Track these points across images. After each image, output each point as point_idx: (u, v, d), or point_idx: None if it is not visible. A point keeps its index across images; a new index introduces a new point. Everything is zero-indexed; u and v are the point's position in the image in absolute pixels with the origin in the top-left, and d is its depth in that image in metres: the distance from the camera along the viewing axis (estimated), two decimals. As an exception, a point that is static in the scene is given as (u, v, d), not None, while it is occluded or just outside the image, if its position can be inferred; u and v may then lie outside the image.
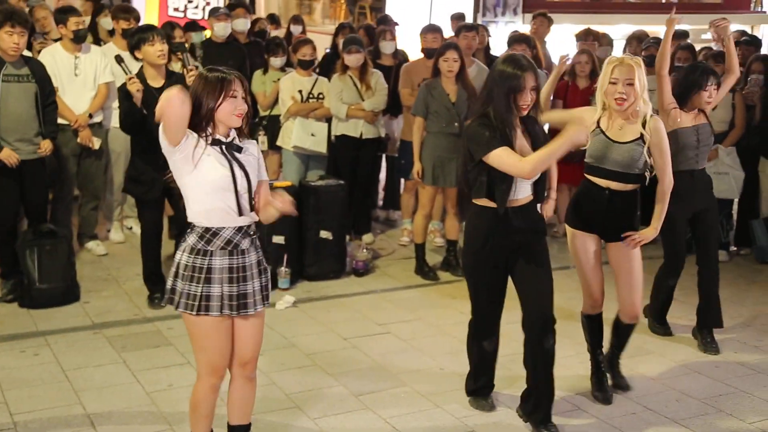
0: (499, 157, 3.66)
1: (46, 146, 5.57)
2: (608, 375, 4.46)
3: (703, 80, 4.91)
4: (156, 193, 5.37)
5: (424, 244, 6.42)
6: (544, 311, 3.90)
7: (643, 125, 4.13)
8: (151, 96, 5.11)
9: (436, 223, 7.06)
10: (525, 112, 3.77)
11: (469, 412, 4.20)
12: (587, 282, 4.34)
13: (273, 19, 9.99)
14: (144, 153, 5.31)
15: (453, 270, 6.33)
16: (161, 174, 5.24)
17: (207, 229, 3.25)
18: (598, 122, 4.19)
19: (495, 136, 3.68)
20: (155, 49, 5.23)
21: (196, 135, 3.20)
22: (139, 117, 5.14)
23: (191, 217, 3.29)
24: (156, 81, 5.28)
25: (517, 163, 3.65)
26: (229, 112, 3.21)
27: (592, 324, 4.43)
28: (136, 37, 5.30)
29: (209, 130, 3.22)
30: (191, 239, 3.28)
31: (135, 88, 5.09)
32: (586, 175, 4.29)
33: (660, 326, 5.33)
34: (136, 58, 5.38)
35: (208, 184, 3.20)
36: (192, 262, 3.27)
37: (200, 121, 3.20)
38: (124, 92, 5.20)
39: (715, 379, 4.71)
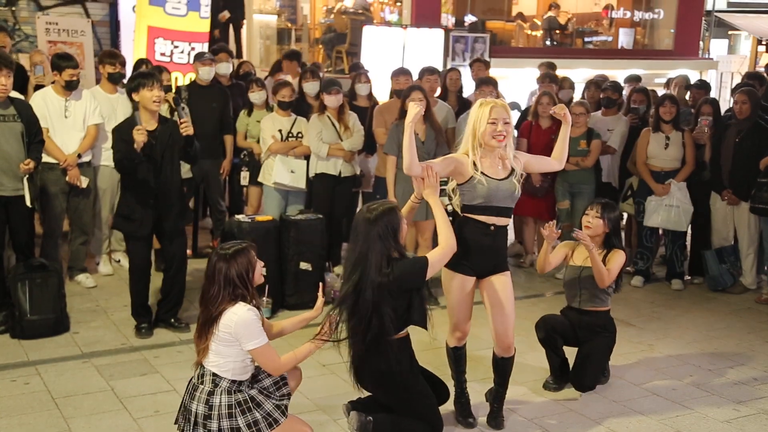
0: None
1: (29, 163, 5.44)
2: (496, 412, 4.38)
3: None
4: (146, 229, 5.38)
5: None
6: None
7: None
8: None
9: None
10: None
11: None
12: (459, 319, 4.31)
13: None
14: (135, 191, 5.33)
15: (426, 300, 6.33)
16: (151, 211, 5.30)
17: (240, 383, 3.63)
18: (474, 166, 4.12)
19: None
20: (152, 95, 5.26)
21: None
22: (137, 161, 5.19)
23: (228, 375, 3.60)
24: (150, 125, 5.31)
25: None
26: (259, 273, 3.69)
27: (457, 354, 4.41)
28: (137, 81, 5.33)
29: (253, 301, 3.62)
30: (226, 384, 3.60)
31: (142, 138, 5.10)
32: (468, 215, 4.19)
33: (551, 378, 4.93)
34: (132, 100, 5.42)
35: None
36: (232, 400, 3.58)
37: (249, 291, 3.60)
38: (120, 134, 5.22)
39: (672, 401, 4.77)
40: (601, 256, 4.80)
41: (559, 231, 4.71)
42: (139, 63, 7.29)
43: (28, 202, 5.50)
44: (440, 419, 4.04)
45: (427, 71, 7.43)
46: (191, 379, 3.69)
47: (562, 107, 4.42)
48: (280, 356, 3.63)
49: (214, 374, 3.58)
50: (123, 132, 5.23)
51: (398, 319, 3.88)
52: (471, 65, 8.63)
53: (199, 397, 3.57)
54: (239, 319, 3.51)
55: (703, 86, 8.32)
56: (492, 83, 7.03)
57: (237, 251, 3.60)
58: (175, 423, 3.72)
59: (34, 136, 5.63)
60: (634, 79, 8.77)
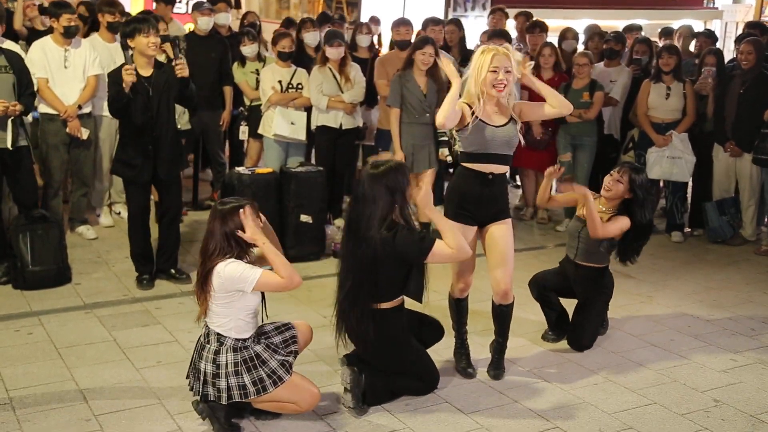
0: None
1: (15, 104, 5.37)
2: (497, 362, 4.38)
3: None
4: (145, 176, 5.34)
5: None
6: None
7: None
8: (140, 83, 5.12)
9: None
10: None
11: (441, 383, 4.23)
12: (461, 269, 4.29)
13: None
14: (134, 138, 5.27)
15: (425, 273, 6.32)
16: (150, 158, 5.26)
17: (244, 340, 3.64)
18: (472, 113, 4.05)
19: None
20: (148, 41, 5.17)
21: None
22: (125, 101, 5.10)
23: (232, 333, 3.60)
24: (145, 70, 5.23)
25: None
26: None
27: (459, 305, 4.40)
28: (132, 27, 5.23)
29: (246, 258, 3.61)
30: (231, 342, 3.61)
31: (131, 78, 5.03)
32: (465, 165, 4.16)
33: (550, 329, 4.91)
34: (128, 46, 5.32)
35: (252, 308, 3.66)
36: (238, 357, 3.60)
37: (244, 248, 3.61)
38: (113, 77, 5.16)
39: (670, 351, 4.78)
40: (607, 216, 4.67)
41: (561, 168, 4.64)
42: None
43: (9, 144, 5.43)
44: (435, 376, 4.08)
45: (432, 22, 7.30)
46: (199, 338, 3.71)
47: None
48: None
49: (219, 333, 3.60)
50: (117, 76, 5.17)
51: (393, 287, 3.88)
52: (490, 14, 8.50)
53: (206, 357, 3.60)
54: (225, 275, 3.53)
55: (710, 36, 8.19)
56: (505, 36, 6.89)
57: (232, 208, 3.59)
58: (187, 377, 3.75)
59: (25, 88, 5.57)
60: (634, 29, 8.64)
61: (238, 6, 11.33)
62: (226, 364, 3.57)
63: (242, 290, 3.55)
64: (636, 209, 4.61)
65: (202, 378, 3.61)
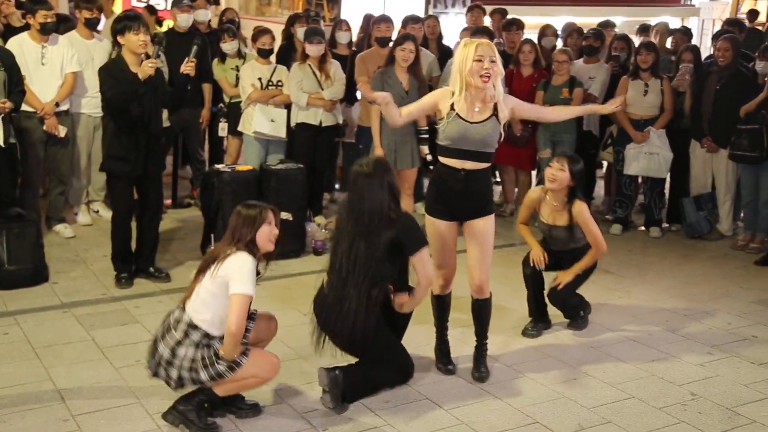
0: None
1: (5, 102, 5.36)
2: (479, 365, 4.35)
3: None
4: (139, 170, 5.30)
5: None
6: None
7: (495, 108, 4.07)
8: (135, 80, 5.10)
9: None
10: None
11: (421, 380, 4.23)
12: (439, 264, 4.29)
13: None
14: (127, 133, 5.22)
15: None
16: (142, 153, 5.26)
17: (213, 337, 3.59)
18: (452, 106, 4.04)
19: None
20: (138, 38, 5.13)
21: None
22: (141, 92, 5.11)
23: (205, 326, 3.56)
24: (135, 67, 5.19)
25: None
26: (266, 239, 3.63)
27: (439, 302, 4.40)
28: (122, 24, 5.19)
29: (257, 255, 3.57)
30: (197, 337, 3.57)
31: (150, 71, 5.07)
32: (441, 158, 4.14)
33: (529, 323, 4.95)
34: (118, 43, 5.28)
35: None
36: (197, 354, 3.56)
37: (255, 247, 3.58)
38: (108, 72, 5.15)
39: (648, 345, 4.81)
40: (565, 211, 4.75)
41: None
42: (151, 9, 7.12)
43: (1, 142, 5.38)
44: (409, 365, 4.07)
45: (411, 20, 7.31)
46: (169, 315, 3.67)
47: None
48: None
49: (190, 324, 3.57)
50: (111, 70, 5.14)
51: (393, 275, 3.92)
52: (468, 12, 8.48)
53: (167, 342, 3.57)
54: (238, 260, 3.50)
55: (686, 33, 8.25)
56: (487, 33, 6.89)
57: (258, 212, 3.62)
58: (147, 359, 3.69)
59: (15, 85, 5.52)
60: (609, 26, 8.69)
61: (217, 2, 11.26)
62: (183, 358, 3.54)
63: (228, 282, 3.49)
64: (578, 192, 4.77)
65: (156, 358, 3.59)
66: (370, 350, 3.97)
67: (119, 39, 5.21)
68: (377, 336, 3.95)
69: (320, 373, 3.87)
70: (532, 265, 4.86)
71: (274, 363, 3.71)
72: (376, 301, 3.90)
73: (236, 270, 3.50)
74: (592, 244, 4.75)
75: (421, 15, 8.44)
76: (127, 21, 5.20)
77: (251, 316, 3.73)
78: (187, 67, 5.32)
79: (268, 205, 3.71)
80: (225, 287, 3.52)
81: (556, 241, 4.86)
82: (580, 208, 4.72)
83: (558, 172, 4.72)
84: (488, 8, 8.75)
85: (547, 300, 4.92)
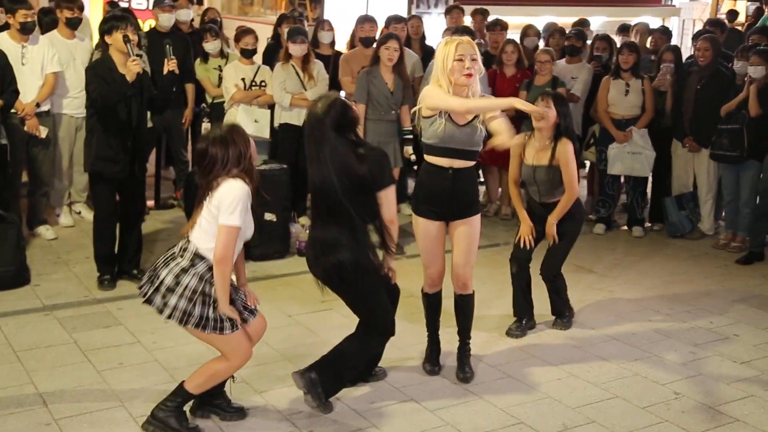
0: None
1: None
2: (463, 366, 4.33)
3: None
4: (126, 172, 5.26)
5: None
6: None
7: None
8: (122, 80, 5.07)
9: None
10: None
11: (407, 381, 4.23)
12: (426, 263, 4.29)
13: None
14: (114, 133, 5.19)
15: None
16: (129, 154, 5.23)
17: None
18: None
19: None
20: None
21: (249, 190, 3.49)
22: (129, 94, 5.09)
23: (210, 254, 3.48)
24: (122, 67, 5.15)
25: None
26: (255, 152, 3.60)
27: (428, 300, 4.39)
28: (109, 24, 5.16)
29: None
30: (202, 268, 3.49)
31: (137, 69, 5.04)
32: (427, 157, 4.15)
33: (514, 323, 4.94)
34: (105, 43, 5.23)
35: (241, 237, 3.55)
36: (199, 287, 3.49)
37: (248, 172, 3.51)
38: (95, 71, 5.11)
39: (632, 345, 4.83)
40: (550, 149, 4.77)
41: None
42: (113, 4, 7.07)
43: None
44: (389, 324, 3.93)
45: (394, 19, 7.31)
46: (173, 247, 3.61)
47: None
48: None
49: (196, 254, 3.50)
50: (98, 69, 5.11)
51: (370, 210, 3.80)
52: (447, 13, 8.47)
53: (172, 269, 3.50)
54: (230, 187, 3.44)
55: (665, 32, 8.30)
56: (468, 33, 6.89)
57: (232, 130, 3.52)
58: (141, 285, 3.64)
59: (8, 85, 5.49)
60: (583, 24, 8.75)
61: (200, 2, 11.20)
62: (186, 287, 3.48)
63: (219, 211, 3.44)
64: (563, 130, 4.79)
65: (157, 283, 3.52)
66: (358, 291, 3.85)
67: (107, 39, 5.17)
68: (366, 285, 3.84)
69: (295, 378, 3.83)
70: (522, 246, 4.83)
71: (249, 352, 3.65)
72: (364, 233, 3.80)
73: (224, 200, 3.44)
74: (566, 184, 4.76)
75: (404, 15, 8.43)
76: (114, 21, 5.17)
77: (251, 311, 3.69)
78: (170, 65, 5.31)
79: (234, 125, 3.67)
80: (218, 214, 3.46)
81: (540, 186, 4.83)
82: (566, 146, 4.75)
83: (547, 111, 4.72)
84: (469, 8, 8.75)
85: (540, 296, 4.93)
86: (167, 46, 5.43)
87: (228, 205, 3.43)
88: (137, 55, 5.17)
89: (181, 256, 3.53)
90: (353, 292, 3.87)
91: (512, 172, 5.02)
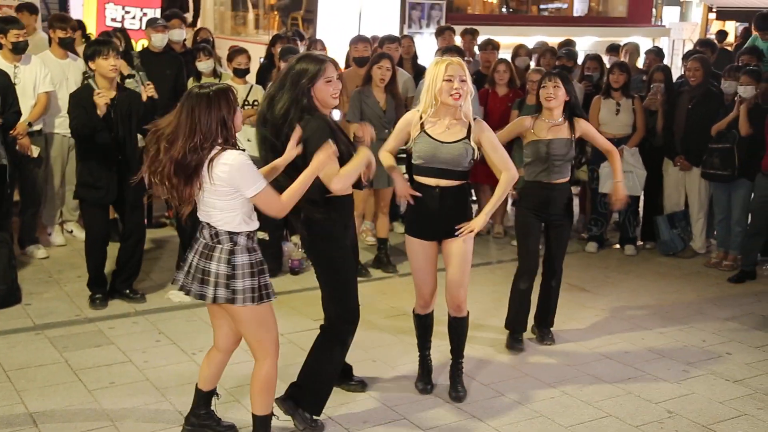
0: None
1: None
2: (455, 384, 4.32)
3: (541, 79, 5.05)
4: (112, 196, 5.26)
5: (356, 243, 6.40)
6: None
7: (469, 129, 4.08)
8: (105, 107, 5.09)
9: (368, 222, 7.06)
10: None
11: (399, 400, 4.21)
12: (418, 284, 4.29)
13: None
14: (97, 159, 5.19)
15: (384, 267, 6.33)
16: (115, 179, 5.21)
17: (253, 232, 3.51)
18: (422, 125, 4.08)
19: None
20: (108, 63, 5.12)
21: None
22: (99, 129, 5.08)
23: (243, 227, 3.43)
24: (108, 93, 5.16)
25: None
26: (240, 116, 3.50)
27: (420, 321, 4.38)
28: (92, 49, 5.18)
29: None
30: (243, 241, 3.44)
31: (104, 101, 5.04)
32: (415, 177, 4.16)
33: (511, 337, 4.98)
34: (90, 69, 5.25)
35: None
36: (252, 258, 3.46)
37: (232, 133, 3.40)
38: (76, 99, 5.10)
39: (625, 363, 4.82)
40: (564, 125, 4.88)
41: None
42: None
43: None
44: (354, 309, 3.91)
45: (387, 40, 7.34)
46: (197, 238, 3.49)
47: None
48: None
49: (229, 232, 3.41)
50: (81, 98, 5.11)
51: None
52: (438, 34, 8.52)
53: (219, 258, 3.40)
54: (232, 165, 3.28)
55: (658, 53, 8.37)
56: (459, 52, 6.94)
57: (218, 90, 3.34)
58: (178, 285, 3.55)
59: (9, 106, 5.51)
60: (569, 44, 8.85)
61: (194, 24, 11.23)
62: (242, 265, 3.40)
63: (240, 192, 3.35)
64: (575, 108, 4.94)
65: (212, 280, 3.39)
66: (324, 272, 3.86)
67: (90, 65, 5.20)
68: (338, 262, 3.83)
69: (277, 404, 3.83)
70: (528, 278, 4.91)
71: (277, 336, 3.66)
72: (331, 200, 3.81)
73: (237, 175, 3.30)
74: (604, 147, 5.02)
75: (397, 35, 8.47)
76: (97, 46, 5.20)
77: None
78: (148, 90, 5.37)
79: (222, 84, 3.58)
80: (233, 192, 3.35)
81: (554, 162, 4.85)
82: (586, 124, 4.95)
83: (554, 89, 4.81)
84: (459, 28, 8.81)
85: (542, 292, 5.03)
86: (139, 72, 5.50)
87: (244, 181, 3.32)
88: (129, 76, 5.19)
89: (219, 242, 3.41)
90: (326, 261, 3.85)
91: (503, 138, 4.86)
